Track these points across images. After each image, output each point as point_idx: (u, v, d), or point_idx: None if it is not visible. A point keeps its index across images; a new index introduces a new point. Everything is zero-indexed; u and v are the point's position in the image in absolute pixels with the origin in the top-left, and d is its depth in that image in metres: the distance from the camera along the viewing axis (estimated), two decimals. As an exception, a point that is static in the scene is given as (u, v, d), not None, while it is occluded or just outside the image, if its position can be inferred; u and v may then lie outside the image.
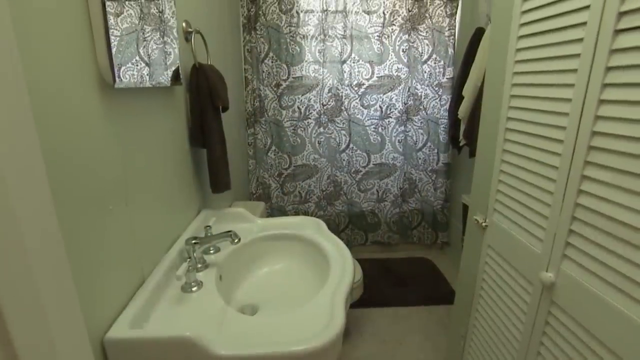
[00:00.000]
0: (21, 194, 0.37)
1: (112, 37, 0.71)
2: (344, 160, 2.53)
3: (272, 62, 2.32)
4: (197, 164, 1.33)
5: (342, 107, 2.42)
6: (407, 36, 2.33)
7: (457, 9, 2.33)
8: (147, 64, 0.87)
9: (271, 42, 2.28)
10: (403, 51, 2.35)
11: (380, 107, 2.45)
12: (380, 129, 2.49)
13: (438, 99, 2.45)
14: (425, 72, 2.40)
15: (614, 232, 0.69)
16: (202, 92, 1.20)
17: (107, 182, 0.75)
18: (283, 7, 2.23)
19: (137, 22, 0.82)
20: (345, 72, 2.36)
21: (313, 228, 1.33)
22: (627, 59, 0.65)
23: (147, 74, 0.87)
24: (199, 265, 1.05)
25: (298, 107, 2.40)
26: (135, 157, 0.87)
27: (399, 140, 2.52)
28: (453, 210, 2.70)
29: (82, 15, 0.67)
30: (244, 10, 2.22)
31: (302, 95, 2.38)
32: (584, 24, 0.74)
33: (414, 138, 2.53)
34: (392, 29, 2.32)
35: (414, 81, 2.41)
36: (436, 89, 2.43)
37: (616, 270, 0.69)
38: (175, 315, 0.86)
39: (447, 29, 2.33)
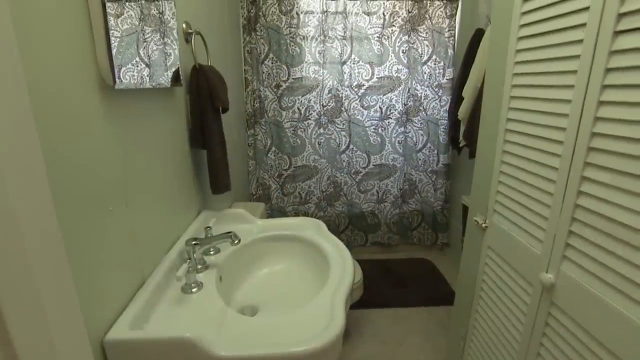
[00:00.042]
0: (21, 194, 0.37)
1: (112, 38, 0.72)
2: (344, 161, 2.53)
3: (272, 63, 2.32)
4: (197, 165, 1.33)
5: (342, 108, 2.42)
6: (407, 37, 2.33)
7: (457, 10, 2.33)
8: (147, 65, 0.87)
9: (271, 43, 2.28)
10: (403, 52, 2.36)
11: (380, 108, 2.45)
12: (380, 129, 2.49)
13: (438, 99, 2.45)
14: (425, 73, 2.40)
15: (613, 233, 0.69)
16: (202, 93, 1.20)
17: (107, 183, 0.75)
18: (283, 8, 2.23)
19: (137, 23, 0.82)
20: (345, 73, 2.36)
21: (313, 229, 1.33)
22: (626, 60, 0.65)
23: (147, 75, 0.87)
24: (199, 266, 1.05)
25: (298, 108, 2.40)
26: (136, 158, 0.87)
27: (399, 141, 2.52)
28: (453, 211, 2.70)
29: (83, 16, 0.67)
30: (244, 11, 2.23)
31: (302, 96, 2.38)
32: (584, 25, 0.74)
33: (414, 139, 2.53)
34: (392, 30, 2.32)
35: (413, 82, 2.41)
36: (436, 89, 2.43)
37: (616, 271, 0.69)
38: (175, 316, 0.86)
39: (447, 30, 2.34)
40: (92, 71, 0.70)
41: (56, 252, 0.43)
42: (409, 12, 2.29)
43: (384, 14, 2.29)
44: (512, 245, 1.02)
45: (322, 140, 2.48)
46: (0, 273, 0.35)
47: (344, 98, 2.40)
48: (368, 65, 2.37)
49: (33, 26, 0.56)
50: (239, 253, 1.19)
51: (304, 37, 2.29)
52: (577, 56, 0.76)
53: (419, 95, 2.44)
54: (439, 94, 2.44)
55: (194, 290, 0.95)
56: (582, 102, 0.75)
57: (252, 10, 2.22)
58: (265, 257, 1.27)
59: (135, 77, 0.81)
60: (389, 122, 2.48)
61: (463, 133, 1.99)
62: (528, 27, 0.93)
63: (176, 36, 1.03)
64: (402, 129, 2.50)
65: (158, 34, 0.93)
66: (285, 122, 2.41)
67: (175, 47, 1.03)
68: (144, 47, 0.85)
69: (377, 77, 2.39)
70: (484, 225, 1.17)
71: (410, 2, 2.27)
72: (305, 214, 2.59)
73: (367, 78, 2.39)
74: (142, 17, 0.85)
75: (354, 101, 2.42)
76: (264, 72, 2.33)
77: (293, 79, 2.34)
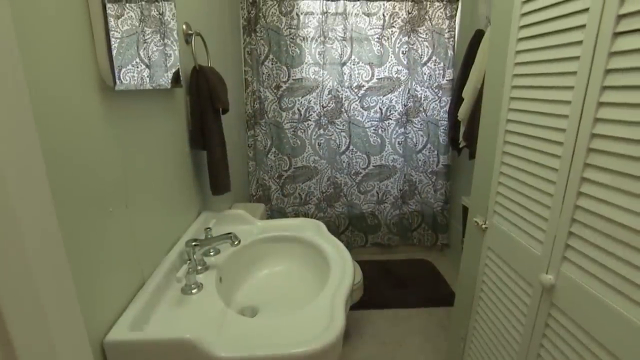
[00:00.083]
0: (21, 194, 0.37)
1: (112, 39, 0.72)
2: (344, 162, 2.53)
3: (272, 64, 2.32)
4: (197, 166, 1.33)
5: (342, 109, 2.43)
6: (406, 38, 2.33)
7: (456, 11, 2.34)
8: (148, 66, 0.87)
9: (271, 44, 2.28)
10: (403, 53, 2.36)
11: (380, 108, 2.45)
12: (380, 130, 2.49)
13: (438, 100, 2.45)
14: (425, 74, 2.41)
15: (613, 234, 0.69)
16: (203, 94, 1.20)
17: (107, 184, 0.75)
18: (283, 9, 2.23)
19: (137, 24, 0.82)
20: (345, 74, 2.36)
21: (313, 230, 1.33)
22: (626, 61, 0.65)
23: (148, 76, 0.88)
24: (199, 267, 1.05)
25: (298, 109, 2.40)
26: (136, 159, 0.87)
27: (398, 142, 2.53)
28: (453, 212, 2.70)
29: (83, 17, 0.67)
30: (244, 12, 2.23)
31: (302, 97, 2.39)
32: (583, 26, 0.74)
33: (414, 140, 2.53)
34: (392, 31, 2.32)
35: (413, 83, 2.41)
36: (436, 90, 2.44)
37: (616, 272, 0.69)
38: (175, 317, 0.86)
39: (446, 31, 2.34)
40: (92, 72, 0.70)
41: (56, 252, 0.43)
42: (409, 13, 2.29)
43: (383, 15, 2.29)
44: (512, 246, 1.02)
45: (322, 141, 2.48)
46: (0, 273, 0.35)
47: (344, 99, 2.40)
48: (368, 66, 2.37)
49: (33, 27, 0.56)
50: (239, 254, 1.19)
51: (304, 38, 2.29)
52: (577, 57, 0.76)
53: (419, 96, 2.44)
54: (439, 94, 2.44)
55: (194, 291, 0.95)
56: (581, 103, 0.75)
57: (252, 11, 2.22)
58: (265, 258, 1.27)
59: (136, 78, 0.81)
60: (389, 123, 2.48)
61: (463, 134, 1.99)
62: (528, 29, 0.93)
63: (176, 37, 1.03)
64: (402, 129, 2.50)
65: (158, 35, 0.93)
66: (285, 123, 2.41)
67: (175, 48, 1.03)
68: (144, 48, 0.86)
69: (377, 78, 2.39)
70: (484, 226, 1.17)
71: (410, 3, 2.28)
72: (305, 215, 2.59)
73: (367, 79, 2.39)
74: (143, 18, 0.85)
75: (354, 102, 2.42)
76: (264, 73, 2.33)
77: (293, 79, 2.34)
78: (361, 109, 2.44)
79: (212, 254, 1.16)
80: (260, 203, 2.34)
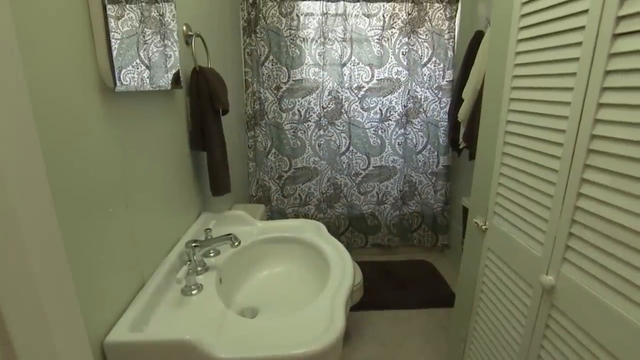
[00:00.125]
0: (22, 195, 0.37)
1: (112, 40, 0.72)
2: (344, 162, 2.53)
3: (272, 65, 2.32)
4: (197, 167, 1.33)
5: (342, 110, 2.43)
6: (406, 39, 2.33)
7: (456, 12, 2.34)
8: (148, 67, 0.88)
9: (271, 45, 2.29)
10: (403, 54, 2.36)
11: (380, 109, 2.45)
12: (380, 131, 2.49)
13: (438, 101, 2.46)
14: (425, 74, 2.41)
15: (613, 235, 0.69)
16: (203, 95, 1.20)
17: (107, 185, 0.75)
18: (283, 10, 2.24)
19: (137, 25, 0.82)
20: (345, 75, 2.37)
21: (313, 231, 1.33)
22: (625, 62, 0.65)
23: (148, 77, 0.88)
24: (199, 268, 1.05)
25: (298, 110, 2.41)
26: (136, 160, 0.87)
27: (398, 142, 2.53)
28: (453, 213, 2.70)
29: (83, 17, 0.67)
30: (244, 13, 2.23)
31: (302, 98, 2.39)
32: (583, 28, 0.74)
33: (414, 141, 2.53)
34: (391, 32, 2.33)
35: (413, 84, 2.42)
36: (436, 91, 2.44)
37: (616, 273, 0.69)
38: (175, 318, 0.86)
39: (446, 32, 2.34)
40: (92, 73, 0.70)
41: (56, 253, 0.43)
42: (409, 14, 2.29)
43: (383, 16, 2.30)
44: (512, 247, 1.02)
45: (322, 142, 2.48)
46: (0, 273, 0.35)
47: (344, 100, 2.41)
48: (368, 67, 2.37)
49: (34, 28, 0.56)
50: (239, 255, 1.19)
51: (304, 39, 2.30)
52: (577, 59, 0.76)
53: (419, 97, 2.44)
54: (439, 95, 2.44)
55: (193, 292, 0.95)
56: (581, 104, 0.75)
57: (252, 13, 2.22)
58: (265, 259, 1.27)
59: (136, 79, 0.82)
60: (388, 124, 2.49)
61: (463, 135, 1.99)
62: (527, 30, 0.93)
63: (176, 38, 1.04)
64: (402, 130, 2.50)
65: (158, 36, 0.93)
66: (285, 123, 2.41)
67: (175, 49, 1.03)
68: (144, 49, 0.86)
69: (377, 79, 2.39)
70: (484, 227, 1.17)
71: (410, 4, 2.28)
72: (305, 216, 2.59)
73: (367, 80, 2.39)
74: (143, 19, 0.85)
75: (354, 103, 2.43)
76: (264, 74, 2.33)
77: (293, 80, 2.34)
78: (361, 110, 2.44)
79: (212, 255, 1.16)
80: (260, 204, 2.34)
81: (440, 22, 2.33)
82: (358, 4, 2.28)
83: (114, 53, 0.72)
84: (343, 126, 2.46)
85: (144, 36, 0.85)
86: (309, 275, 1.20)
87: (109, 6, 0.70)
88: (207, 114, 1.22)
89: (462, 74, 2.03)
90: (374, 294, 2.23)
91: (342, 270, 1.06)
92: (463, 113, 1.93)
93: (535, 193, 0.92)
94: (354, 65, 2.36)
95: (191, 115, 1.24)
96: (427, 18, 2.32)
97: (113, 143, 0.77)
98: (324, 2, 2.25)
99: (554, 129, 0.85)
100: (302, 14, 2.26)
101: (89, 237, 0.68)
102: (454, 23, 2.35)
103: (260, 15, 2.23)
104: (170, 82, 1.01)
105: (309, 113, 2.42)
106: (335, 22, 2.29)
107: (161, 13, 0.95)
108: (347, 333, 1.94)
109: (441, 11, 2.32)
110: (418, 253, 2.81)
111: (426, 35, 2.35)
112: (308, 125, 2.44)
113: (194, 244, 1.00)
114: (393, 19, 2.31)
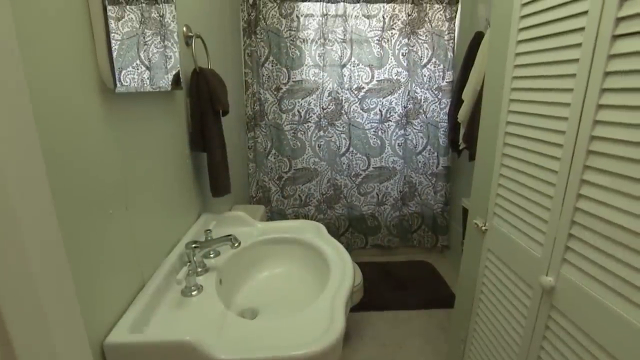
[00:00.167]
0: (21, 195, 0.37)
1: (113, 41, 0.72)
2: (344, 163, 2.53)
3: (272, 65, 2.32)
4: (197, 168, 1.33)
5: (342, 111, 2.43)
6: (406, 40, 2.34)
7: (456, 13, 2.34)
8: (148, 68, 0.88)
9: (271, 46, 2.29)
10: (403, 55, 2.36)
11: (380, 110, 2.45)
12: (380, 132, 2.50)
13: (438, 102, 2.46)
14: (424, 75, 2.41)
15: (613, 236, 0.69)
16: (203, 96, 1.20)
17: (107, 186, 0.75)
18: (283, 11, 2.24)
19: (137, 26, 0.82)
20: (345, 75, 2.37)
21: (313, 232, 1.33)
22: (625, 64, 0.65)
23: (148, 78, 0.88)
24: (199, 269, 1.05)
25: (298, 111, 2.41)
26: (136, 161, 0.88)
27: (398, 143, 2.53)
28: (453, 214, 2.70)
29: (84, 18, 0.67)
30: (244, 14, 2.23)
31: (302, 99, 2.39)
32: (582, 29, 0.74)
33: (414, 141, 2.53)
34: (391, 33, 2.33)
35: (413, 85, 2.42)
36: (436, 92, 2.44)
37: (615, 274, 0.69)
38: (175, 319, 0.86)
39: (446, 32, 2.34)
40: (92, 74, 0.70)
41: (56, 253, 0.43)
42: (409, 15, 2.30)
43: (383, 17, 2.30)
44: (512, 248, 1.02)
45: (322, 143, 2.48)
46: (0, 273, 0.35)
47: (344, 101, 2.41)
48: (368, 68, 2.38)
49: (34, 28, 0.56)
50: (239, 256, 1.19)
51: (304, 40, 2.30)
52: (576, 60, 0.76)
53: (419, 97, 2.44)
54: (439, 96, 2.44)
55: (194, 293, 0.95)
56: (581, 105, 0.75)
57: (252, 14, 2.22)
58: (265, 260, 1.27)
59: (136, 80, 0.82)
60: (388, 125, 2.49)
61: (463, 136, 1.99)
62: (527, 31, 0.93)
63: (176, 39, 1.04)
64: (402, 131, 2.50)
65: (158, 37, 0.93)
66: (285, 124, 2.41)
67: (175, 50, 1.03)
68: (145, 50, 0.86)
69: (377, 80, 2.40)
70: (484, 228, 1.17)
71: (410, 5, 2.28)
72: (305, 217, 2.59)
73: (367, 81, 2.40)
74: (143, 20, 0.85)
75: (353, 104, 2.43)
76: (264, 75, 2.33)
77: (293, 81, 2.35)
78: (361, 111, 2.45)
79: (212, 256, 1.16)
80: (260, 205, 2.34)
81: (440, 23, 2.34)
82: (358, 5, 2.28)
83: (114, 54, 0.72)
84: (343, 127, 2.46)
85: (144, 37, 0.85)
86: (309, 276, 1.20)
87: (109, 7, 0.70)
88: (207, 115, 1.22)
89: (462, 75, 2.03)
90: (374, 295, 2.22)
91: (342, 271, 1.06)
92: (463, 114, 1.93)
93: (535, 194, 0.92)
94: (354, 66, 2.36)
95: (191, 116, 1.24)
96: (427, 19, 2.32)
97: (113, 144, 0.77)
98: (324, 3, 2.25)
99: (553, 130, 0.85)
100: (302, 15, 2.27)
101: (89, 238, 0.68)
102: (454, 24, 2.35)
103: (261, 16, 2.24)
104: (170, 83, 1.01)
105: (309, 114, 2.42)
106: (335, 23, 2.29)
107: (161, 14, 0.95)
108: (347, 334, 1.94)
109: (441, 12, 2.32)
110: (418, 254, 2.81)
111: (426, 36, 2.35)
112: (308, 126, 2.44)
113: (194, 245, 1.00)
114: (393, 20, 2.31)
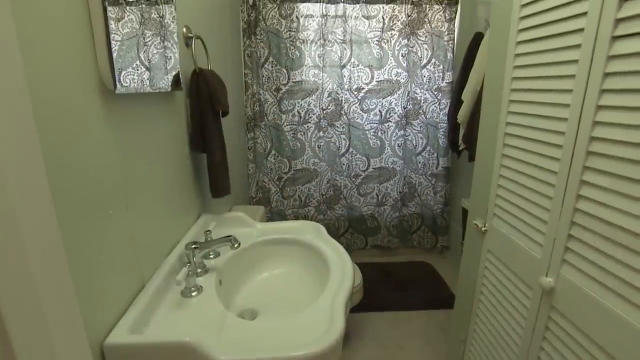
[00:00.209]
0: (22, 195, 0.37)
1: (113, 42, 0.72)
2: (343, 164, 2.53)
3: (272, 66, 2.32)
4: (197, 169, 1.33)
5: (342, 112, 2.43)
6: (406, 41, 2.34)
7: (456, 14, 2.35)
8: (148, 69, 0.88)
9: (271, 47, 2.29)
10: (402, 56, 2.37)
11: (380, 111, 2.45)
12: (380, 133, 2.50)
13: (437, 103, 2.46)
14: (424, 76, 2.41)
15: (613, 238, 0.69)
16: (203, 97, 1.20)
17: (107, 187, 0.75)
18: (283, 12, 2.24)
19: (138, 27, 0.82)
20: (345, 76, 2.37)
21: (313, 233, 1.33)
22: (624, 65, 0.66)
23: (148, 79, 0.88)
24: (199, 270, 1.05)
25: (298, 112, 2.41)
26: (136, 162, 0.88)
27: (398, 144, 2.53)
28: (453, 215, 2.70)
29: (84, 19, 0.67)
30: (244, 15, 2.23)
31: (302, 99, 2.39)
32: (582, 30, 0.74)
33: (414, 142, 2.54)
34: (391, 34, 2.33)
35: (413, 86, 2.42)
36: (436, 93, 2.44)
37: (615, 276, 0.69)
38: (175, 320, 0.86)
39: (446, 33, 2.35)
40: (93, 75, 0.70)
41: (56, 254, 0.43)
42: (409, 16, 2.30)
43: (383, 18, 2.30)
44: (512, 249, 1.02)
45: (322, 144, 2.48)
46: (0, 274, 0.35)
47: (343, 102, 2.41)
48: (368, 69, 2.38)
49: (34, 29, 0.56)
50: (239, 257, 1.19)
51: (304, 41, 2.30)
52: (576, 61, 0.76)
53: (419, 98, 2.45)
54: (439, 97, 2.45)
55: (194, 294, 0.95)
56: (580, 106, 0.75)
57: (252, 15, 2.22)
58: (265, 261, 1.27)
59: (136, 81, 0.82)
60: (388, 126, 2.49)
61: (463, 136, 2.00)
62: (527, 32, 0.93)
63: (177, 40, 1.04)
64: (402, 132, 2.50)
65: (159, 38, 0.93)
66: (285, 125, 2.41)
67: (175, 51, 1.03)
68: (145, 51, 0.86)
69: (376, 81, 2.40)
70: (484, 229, 1.17)
71: (409, 6, 2.29)
72: (305, 218, 2.58)
73: (367, 82, 2.40)
74: (143, 21, 0.85)
75: (353, 105, 2.43)
76: (264, 76, 2.33)
77: (293, 82, 2.35)
78: (361, 112, 2.45)
79: (212, 257, 1.16)
80: (260, 206, 2.33)
81: (440, 24, 2.34)
82: (358, 6, 2.28)
83: (115, 55, 0.72)
84: (343, 128, 2.46)
85: (144, 38, 0.86)
86: (308, 277, 1.20)
87: (109, 8, 0.70)
88: (207, 116, 1.22)
89: (462, 76, 2.03)
90: (374, 296, 2.22)
91: (342, 272, 1.06)
92: (463, 115, 1.94)
93: (535, 195, 0.92)
94: (353, 67, 2.37)
95: (191, 117, 1.24)
96: (426, 20, 2.33)
97: (113, 145, 0.77)
98: (324, 4, 2.26)
99: (553, 131, 0.85)
100: (302, 16, 2.27)
101: (89, 239, 0.68)
102: (454, 25, 2.36)
103: (261, 17, 2.24)
104: (170, 84, 1.01)
105: (309, 115, 2.42)
106: (335, 24, 2.29)
107: (161, 15, 0.95)
108: (347, 335, 1.94)
109: (441, 13, 2.32)
110: (418, 255, 2.81)
111: (426, 37, 2.35)
112: (308, 127, 2.44)
113: (194, 246, 1.00)
114: (393, 21, 2.31)
